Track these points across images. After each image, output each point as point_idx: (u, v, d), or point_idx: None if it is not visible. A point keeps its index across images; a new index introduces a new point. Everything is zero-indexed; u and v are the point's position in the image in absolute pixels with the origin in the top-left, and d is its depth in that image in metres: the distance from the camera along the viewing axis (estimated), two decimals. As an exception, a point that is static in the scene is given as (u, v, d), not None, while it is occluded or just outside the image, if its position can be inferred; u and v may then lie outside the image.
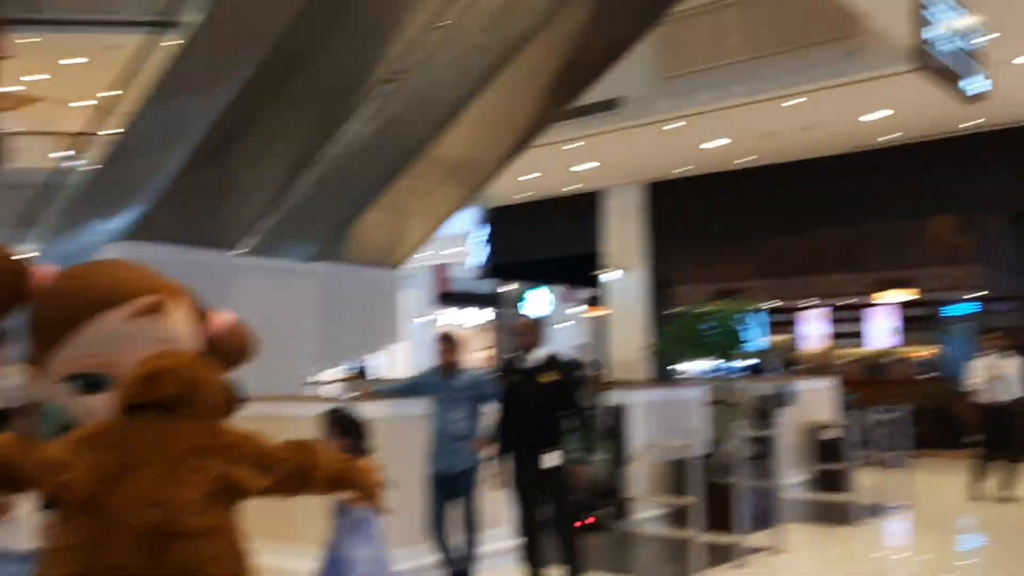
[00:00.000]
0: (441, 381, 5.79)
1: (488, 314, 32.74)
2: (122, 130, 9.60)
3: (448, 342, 5.84)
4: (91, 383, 3.21)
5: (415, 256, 12.96)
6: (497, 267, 19.28)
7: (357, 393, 6.56)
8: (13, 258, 3.09)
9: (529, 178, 15.84)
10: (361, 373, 21.75)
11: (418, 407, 5.89)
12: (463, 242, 19.52)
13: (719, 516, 6.47)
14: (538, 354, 5.42)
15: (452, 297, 28.50)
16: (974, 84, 8.08)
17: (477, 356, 34.88)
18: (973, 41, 8.33)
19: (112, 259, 3.35)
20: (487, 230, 18.30)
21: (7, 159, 19.49)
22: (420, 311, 26.83)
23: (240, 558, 2.86)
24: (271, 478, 2.84)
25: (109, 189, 9.39)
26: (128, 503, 2.72)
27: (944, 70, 7.48)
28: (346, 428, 4.01)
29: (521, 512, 5.40)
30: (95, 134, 11.55)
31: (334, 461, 2.95)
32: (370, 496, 3.01)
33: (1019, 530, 8.06)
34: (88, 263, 3.31)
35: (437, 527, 5.59)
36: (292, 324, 9.49)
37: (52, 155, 19.76)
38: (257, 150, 8.73)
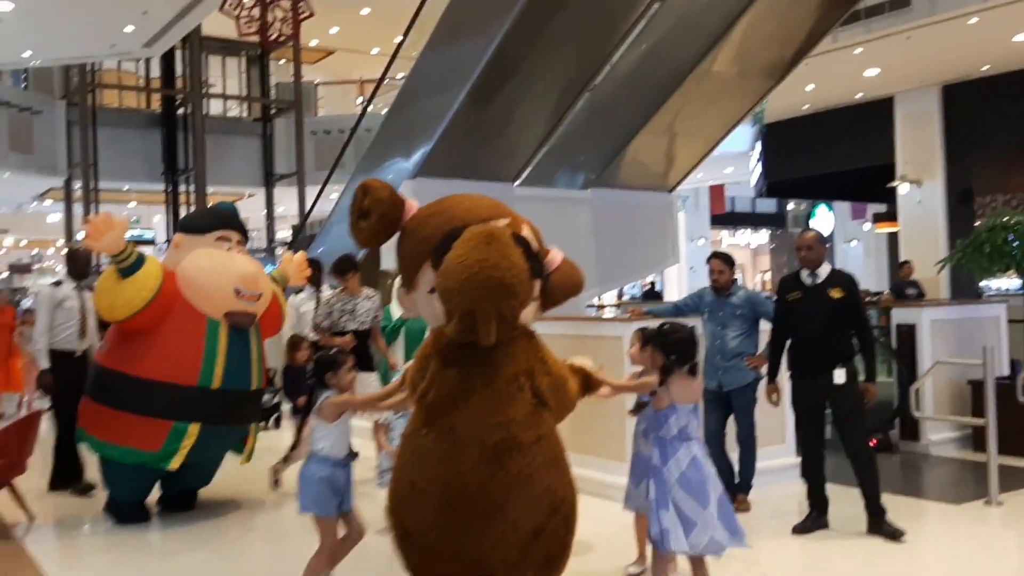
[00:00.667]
0: (714, 300, 5.85)
1: (766, 234, 31.75)
2: (407, 75, 10.37)
3: (721, 262, 5.87)
4: None
5: (690, 178, 12.89)
6: (775, 185, 18.61)
7: (626, 314, 6.76)
8: (396, 191, 3.65)
9: (808, 90, 15.07)
10: (651, 295, 22.02)
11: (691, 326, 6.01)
12: (740, 161, 19.01)
13: (1016, 439, 6.06)
14: (823, 270, 5.27)
15: (729, 218, 27.91)
16: None
17: (754, 277, 34.06)
18: None
19: (465, 193, 3.80)
20: (764, 147, 17.68)
21: (315, 108, 21.56)
22: (697, 233, 26.57)
23: (558, 459, 3.27)
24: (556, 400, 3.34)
25: (400, 130, 10.20)
26: (471, 423, 3.17)
27: None
28: (664, 346, 4.03)
29: (803, 430, 5.35)
30: (386, 80, 12.53)
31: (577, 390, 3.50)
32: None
33: None
34: (444, 197, 3.79)
35: (713, 443, 5.72)
36: (569, 251, 9.86)
37: (355, 102, 21.62)
38: (529, 84, 9.07)
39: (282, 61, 20.64)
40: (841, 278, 5.29)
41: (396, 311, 7.09)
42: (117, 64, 18.88)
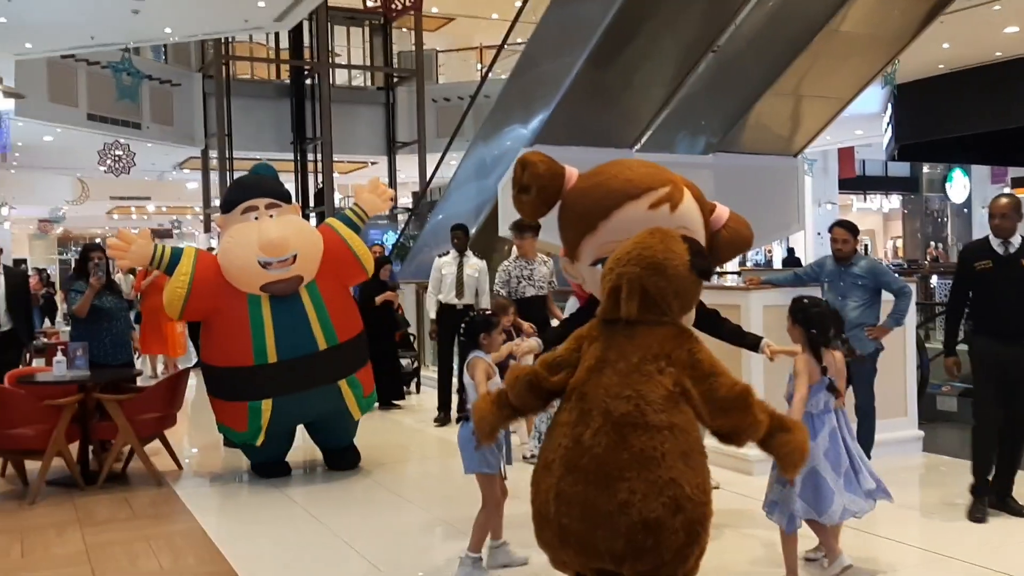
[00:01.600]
0: (835, 269, 5.74)
1: (898, 200, 30.47)
2: (528, 40, 10.43)
3: (844, 230, 5.74)
4: None
5: (817, 140, 12.52)
6: (908, 148, 17.83)
7: (745, 282, 6.67)
8: (555, 163, 3.70)
9: (944, 48, 14.34)
10: (790, 262, 21.37)
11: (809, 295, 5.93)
12: (871, 123, 18.28)
13: None
14: (1016, 239, 4.96)
15: (859, 182, 26.91)
16: None
17: (885, 243, 32.77)
18: None
19: (626, 159, 3.85)
20: (896, 109, 16.95)
21: (435, 75, 21.86)
22: (824, 197, 25.75)
23: (692, 457, 3.02)
24: (714, 418, 3.07)
25: (519, 97, 10.28)
26: (600, 392, 3.08)
27: None
28: (809, 320, 3.91)
29: (982, 402, 5.07)
30: (506, 46, 12.62)
31: (763, 426, 3.07)
32: (787, 468, 3.12)
33: None
34: (604, 164, 3.85)
35: None
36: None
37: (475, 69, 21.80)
38: (650, 46, 8.99)
39: (404, 29, 20.98)
40: None
41: (496, 281, 7.12)
42: (249, 36, 19.60)
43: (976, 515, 4.84)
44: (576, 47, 8.82)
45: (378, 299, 8.44)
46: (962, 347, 5.18)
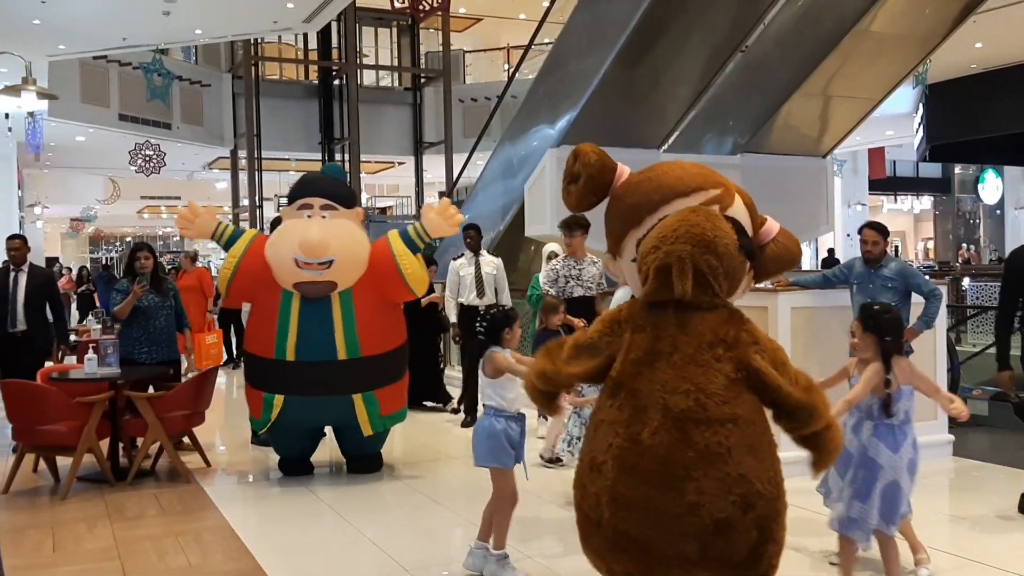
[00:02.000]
0: (865, 271, 5.69)
1: (929, 200, 30.14)
2: (555, 40, 10.42)
3: (874, 232, 5.69)
4: None
5: (847, 141, 12.41)
6: (940, 149, 17.64)
7: (772, 284, 6.61)
8: (607, 156, 3.67)
9: (977, 47, 14.17)
10: (829, 263, 21.21)
11: (837, 298, 5.88)
12: (902, 123, 18.09)
13: None
14: None
15: (889, 183, 26.64)
16: None
17: (916, 245, 32.41)
18: None
19: (680, 161, 3.83)
20: (928, 109, 16.76)
21: (463, 75, 21.91)
22: (854, 198, 25.52)
23: (760, 449, 2.85)
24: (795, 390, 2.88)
25: (546, 97, 10.28)
26: (655, 387, 2.87)
27: None
28: (882, 327, 3.78)
29: None
30: (535, 45, 12.63)
31: (825, 418, 2.91)
32: (823, 464, 2.98)
33: None
34: (657, 164, 3.82)
35: None
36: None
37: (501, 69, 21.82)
38: (678, 46, 8.96)
39: (431, 30, 21.04)
40: None
41: (543, 280, 6.99)
42: (277, 37, 19.75)
43: None
44: (604, 47, 8.81)
45: (424, 300, 8.25)
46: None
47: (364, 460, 6.14)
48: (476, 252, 7.84)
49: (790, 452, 3.03)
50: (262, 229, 13.73)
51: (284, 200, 6.40)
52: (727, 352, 2.91)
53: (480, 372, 4.13)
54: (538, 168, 9.38)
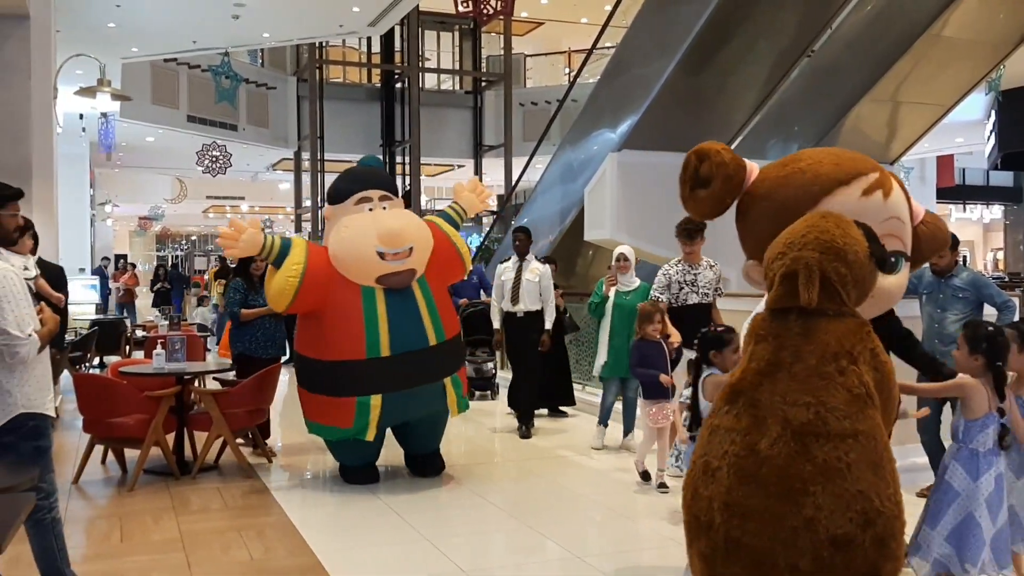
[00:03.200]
0: (934, 281, 5.56)
1: (1000, 210, 29.32)
2: (619, 44, 10.38)
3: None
4: None
5: (915, 148, 12.14)
6: (1012, 157, 17.16)
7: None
8: (735, 154, 3.51)
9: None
10: None
11: (907, 307, 5.75)
12: (972, 130, 17.63)
13: None
14: None
15: (958, 191, 25.98)
16: None
17: (985, 255, 31.54)
18: None
19: (814, 149, 3.66)
20: (1000, 116, 16.32)
21: (523, 79, 21.96)
22: (922, 207, 24.92)
23: (880, 466, 2.78)
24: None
25: (607, 101, 10.25)
26: (775, 397, 2.83)
27: None
28: (991, 350, 3.51)
29: None
30: (597, 48, 12.60)
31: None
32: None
33: None
34: (792, 155, 3.51)
35: (927, 431, 5.45)
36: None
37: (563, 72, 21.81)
38: (744, 50, 8.86)
39: (493, 34, 21.13)
40: None
41: (654, 285, 6.36)
42: (342, 41, 20.01)
43: None
44: (668, 51, 8.75)
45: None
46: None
47: (428, 460, 6.05)
48: (523, 257, 7.56)
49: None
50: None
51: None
52: (851, 365, 2.85)
53: (700, 393, 4.03)
54: (599, 172, 9.35)
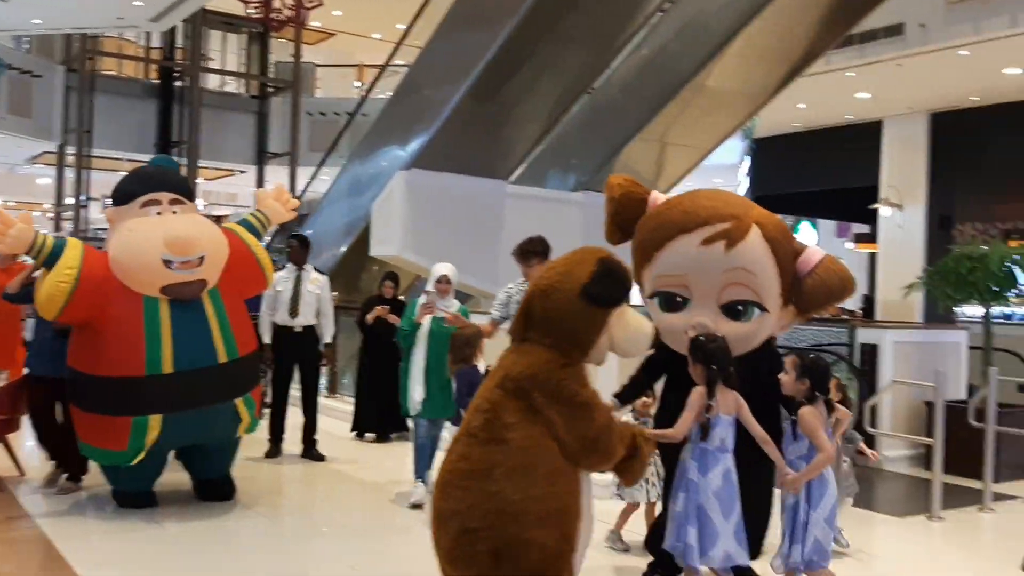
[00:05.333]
0: None
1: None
2: (412, 63, 10.56)
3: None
4: (668, 301, 3.69)
5: (678, 187, 13.13)
6: (762, 199, 18.74)
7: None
8: (637, 187, 3.60)
9: (800, 108, 15.36)
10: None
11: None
12: (728, 173, 19.28)
13: (968, 461, 6.36)
14: None
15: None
16: None
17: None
18: None
19: (713, 189, 3.67)
20: (753, 161, 17.98)
21: (312, 89, 21.67)
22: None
23: (527, 474, 3.17)
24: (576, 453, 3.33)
25: (399, 119, 10.39)
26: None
27: None
28: (705, 357, 3.68)
29: None
30: (389, 66, 12.72)
31: (619, 456, 3.35)
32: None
33: None
34: (689, 192, 3.67)
35: None
36: (559, 252, 10.04)
37: (352, 86, 21.73)
38: (531, 82, 9.29)
39: (282, 40, 20.74)
40: None
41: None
42: (118, 32, 18.93)
43: None
44: (459, 77, 9.02)
45: (371, 316, 7.52)
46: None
47: (217, 485, 5.65)
48: (299, 266, 7.09)
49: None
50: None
51: (109, 201, 5.71)
52: (513, 385, 3.24)
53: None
54: (387, 189, 9.46)
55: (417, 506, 5.54)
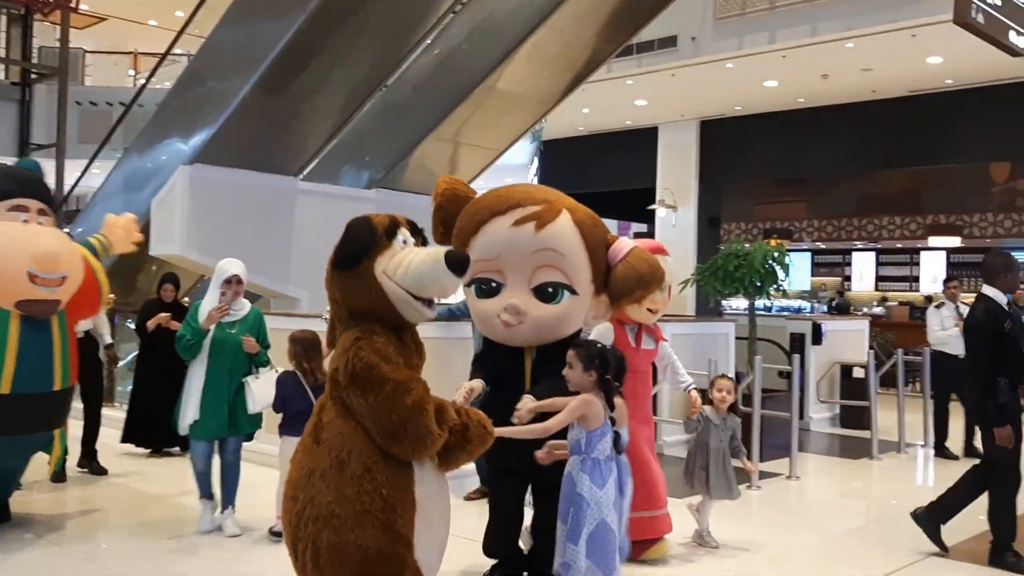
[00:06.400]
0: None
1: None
2: (196, 53, 10.10)
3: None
4: (483, 287, 3.57)
5: (471, 186, 13.32)
6: (550, 199, 19.52)
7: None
8: (461, 186, 3.50)
9: (584, 112, 16.03)
10: None
11: (462, 330, 6.38)
12: (519, 174, 19.80)
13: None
14: None
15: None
16: (1022, 38, 8.11)
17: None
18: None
19: (522, 184, 3.70)
20: (542, 163, 18.56)
21: (81, 76, 20.20)
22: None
23: (336, 474, 3.09)
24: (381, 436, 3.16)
25: (181, 111, 9.90)
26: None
27: (990, 24, 7.54)
28: (598, 362, 3.61)
29: None
30: (169, 55, 12.09)
31: (442, 441, 3.11)
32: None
33: None
34: (509, 185, 3.68)
35: None
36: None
37: (129, 74, 20.47)
38: (322, 77, 9.12)
39: (47, 23, 19.21)
40: None
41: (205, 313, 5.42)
42: None
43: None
44: (246, 69, 8.72)
45: (152, 323, 7.07)
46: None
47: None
48: None
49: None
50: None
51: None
52: (332, 381, 3.19)
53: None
54: (168, 184, 8.99)
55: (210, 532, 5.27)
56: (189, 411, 5.22)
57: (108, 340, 6.93)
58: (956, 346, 8.54)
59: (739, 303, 11.98)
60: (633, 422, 4.37)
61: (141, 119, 11.26)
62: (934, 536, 5.32)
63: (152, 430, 7.42)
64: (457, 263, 3.02)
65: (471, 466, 6.01)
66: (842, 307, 16.99)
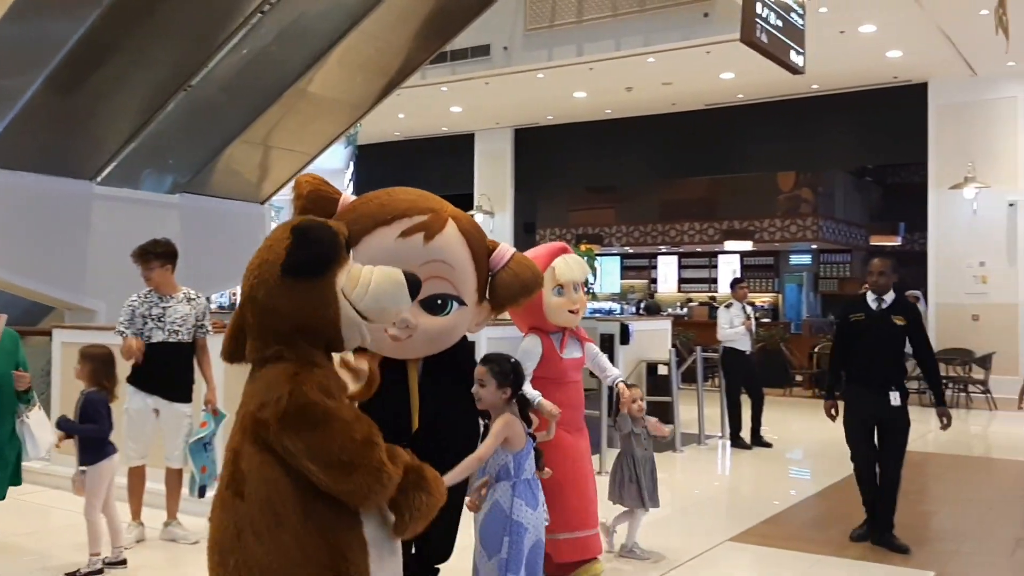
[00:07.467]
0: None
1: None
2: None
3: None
4: None
5: (284, 191, 13.06)
6: (366, 204, 19.43)
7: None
8: (326, 185, 3.20)
9: (401, 118, 16.03)
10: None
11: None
12: (334, 178, 19.56)
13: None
14: (889, 296, 5.45)
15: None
16: (800, 57, 8.83)
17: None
18: (804, 14, 9.07)
19: (402, 188, 3.44)
20: (357, 167, 18.42)
21: None
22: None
23: (270, 532, 2.51)
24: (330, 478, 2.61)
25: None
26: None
27: (773, 44, 8.17)
28: (517, 379, 3.54)
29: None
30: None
31: (396, 481, 2.56)
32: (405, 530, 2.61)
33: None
34: (385, 189, 3.44)
35: None
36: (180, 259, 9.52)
37: None
38: (117, 78, 8.69)
39: None
40: (906, 307, 5.55)
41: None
42: None
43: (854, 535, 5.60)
44: (34, 66, 8.17)
45: None
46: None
47: None
48: None
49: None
50: None
51: None
52: (250, 421, 2.60)
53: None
54: None
55: None
56: None
57: None
58: (744, 343, 9.39)
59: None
60: (569, 436, 4.42)
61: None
62: (893, 544, 5.44)
63: None
64: (416, 287, 2.71)
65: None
66: (651, 308, 17.81)
